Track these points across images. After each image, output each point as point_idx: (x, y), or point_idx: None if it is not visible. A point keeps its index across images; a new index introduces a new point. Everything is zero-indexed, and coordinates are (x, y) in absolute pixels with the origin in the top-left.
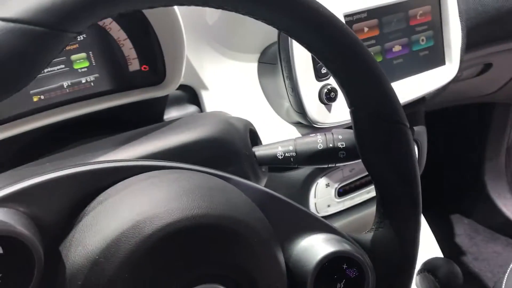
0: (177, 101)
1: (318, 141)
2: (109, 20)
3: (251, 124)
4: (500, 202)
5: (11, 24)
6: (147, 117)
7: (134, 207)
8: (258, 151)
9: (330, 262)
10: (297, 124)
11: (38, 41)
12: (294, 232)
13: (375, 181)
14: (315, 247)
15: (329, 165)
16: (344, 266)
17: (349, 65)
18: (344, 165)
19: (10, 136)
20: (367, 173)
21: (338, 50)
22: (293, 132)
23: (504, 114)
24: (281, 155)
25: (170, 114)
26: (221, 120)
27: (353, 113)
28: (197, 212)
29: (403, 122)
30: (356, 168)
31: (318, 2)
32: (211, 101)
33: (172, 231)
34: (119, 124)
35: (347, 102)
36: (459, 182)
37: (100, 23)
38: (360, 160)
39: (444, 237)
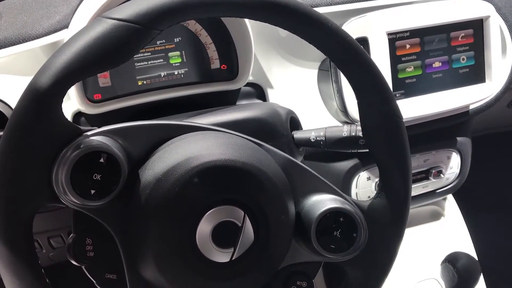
0: (248, 96)
1: (343, 130)
2: (199, 27)
3: (293, 113)
4: None
5: (121, 22)
6: (222, 105)
7: (187, 149)
8: (296, 134)
9: (331, 214)
10: (344, 122)
11: (136, 33)
12: (307, 190)
13: (376, 162)
14: (321, 202)
15: (352, 150)
16: (341, 219)
17: (357, 70)
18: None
19: (123, 107)
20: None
21: (351, 60)
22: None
23: None
24: (314, 139)
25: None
26: (267, 106)
27: (359, 104)
28: (228, 157)
29: (398, 115)
30: None
31: (337, 25)
32: (275, 98)
33: (210, 166)
34: (202, 108)
35: (355, 95)
36: None
37: (192, 29)
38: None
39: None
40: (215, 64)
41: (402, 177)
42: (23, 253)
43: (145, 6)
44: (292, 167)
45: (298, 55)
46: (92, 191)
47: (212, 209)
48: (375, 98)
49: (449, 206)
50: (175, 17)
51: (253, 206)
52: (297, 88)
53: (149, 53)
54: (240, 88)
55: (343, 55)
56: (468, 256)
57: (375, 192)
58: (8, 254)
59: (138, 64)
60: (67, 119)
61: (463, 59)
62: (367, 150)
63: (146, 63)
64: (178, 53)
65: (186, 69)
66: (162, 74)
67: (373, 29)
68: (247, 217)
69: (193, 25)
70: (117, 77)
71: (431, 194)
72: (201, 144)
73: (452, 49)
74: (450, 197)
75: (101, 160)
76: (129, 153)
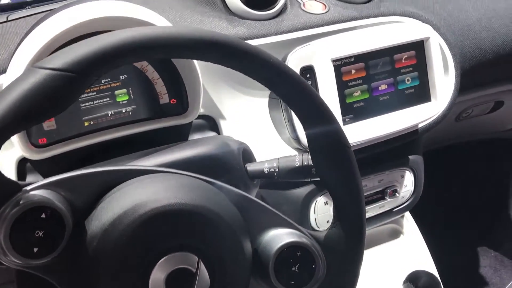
0: (200, 128)
1: (296, 160)
2: (145, 63)
3: (245, 145)
4: None
5: (54, 72)
6: (174, 141)
7: (133, 196)
8: (250, 166)
9: (288, 249)
10: (297, 150)
11: (71, 82)
12: (263, 225)
13: (329, 191)
14: (277, 238)
15: (305, 180)
16: (299, 254)
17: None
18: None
19: (68, 151)
20: (372, 192)
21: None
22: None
23: None
24: (267, 170)
25: (193, 138)
26: (218, 141)
27: (307, 136)
28: (178, 201)
29: (346, 145)
30: None
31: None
32: (229, 129)
33: (159, 212)
34: (152, 146)
35: (302, 126)
36: (488, 215)
37: (138, 65)
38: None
39: (470, 268)
40: (164, 99)
41: (355, 205)
42: None
43: (79, 54)
44: (246, 203)
45: (247, 84)
46: (35, 249)
47: (164, 258)
48: (322, 130)
49: (407, 224)
50: (111, 62)
51: (207, 250)
52: (250, 118)
53: (95, 93)
54: (191, 122)
55: (285, 91)
56: (428, 274)
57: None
58: None
59: (83, 104)
60: (2, 174)
61: (407, 80)
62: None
63: (92, 103)
64: (124, 90)
65: (134, 106)
66: (109, 113)
67: (318, 57)
68: (201, 262)
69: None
70: (63, 119)
71: (388, 213)
72: (148, 189)
73: (397, 71)
74: (407, 214)
75: (43, 215)
76: (73, 205)
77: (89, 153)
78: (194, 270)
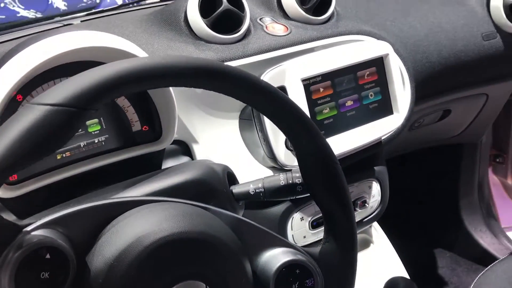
0: (173, 154)
1: (280, 179)
2: None
3: (229, 168)
4: (477, 235)
5: (55, 108)
6: (148, 168)
7: (135, 227)
8: (235, 189)
9: (287, 268)
10: (272, 168)
11: (72, 116)
12: (259, 246)
13: (320, 207)
14: (275, 257)
15: (291, 198)
16: (297, 271)
17: (292, 124)
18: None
19: (44, 186)
20: None
21: (284, 115)
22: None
23: (472, 153)
24: (253, 191)
25: (167, 164)
26: (203, 165)
27: (298, 155)
28: (181, 230)
29: (335, 162)
30: None
31: (272, 86)
32: (201, 153)
33: (163, 242)
34: (127, 175)
35: (292, 147)
36: (440, 218)
37: None
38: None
39: (427, 270)
40: (136, 126)
41: (347, 219)
42: None
43: (78, 87)
44: (241, 225)
45: (217, 107)
46: None
47: (173, 287)
48: (312, 149)
49: (376, 233)
50: (111, 94)
51: (214, 276)
52: (222, 140)
53: None
54: (164, 148)
55: (277, 113)
56: (405, 279)
57: (311, 232)
58: None
59: None
60: (2, 217)
61: (371, 95)
62: (305, 196)
63: None
64: (96, 120)
65: (107, 135)
66: (82, 144)
67: (289, 78)
68: None
69: None
70: None
71: (360, 224)
72: (149, 219)
73: (361, 87)
74: (375, 224)
75: (47, 256)
76: (72, 241)
77: (64, 186)
78: None
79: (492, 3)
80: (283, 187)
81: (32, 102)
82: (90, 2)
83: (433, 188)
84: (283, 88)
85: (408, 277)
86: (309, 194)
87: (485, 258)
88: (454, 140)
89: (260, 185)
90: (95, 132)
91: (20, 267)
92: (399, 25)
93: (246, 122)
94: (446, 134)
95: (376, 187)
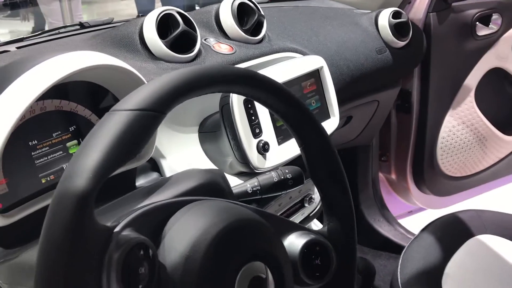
0: (143, 170)
1: (273, 175)
2: (89, 112)
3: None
4: (376, 225)
5: (139, 112)
6: (124, 184)
7: (199, 222)
8: (234, 189)
9: (309, 247)
10: (238, 174)
11: (154, 119)
12: (282, 231)
13: (321, 192)
14: (297, 239)
15: (283, 192)
16: (317, 248)
17: (298, 117)
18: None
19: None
20: (292, 204)
21: (293, 112)
22: (236, 181)
23: (366, 154)
24: (250, 190)
25: (139, 181)
26: (206, 171)
27: (303, 150)
28: (234, 219)
29: (335, 154)
30: (283, 202)
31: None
32: (169, 168)
33: (227, 231)
34: (107, 191)
35: (297, 143)
36: None
37: (83, 115)
38: (297, 187)
39: None
40: None
41: (346, 200)
42: None
43: (157, 94)
44: (263, 215)
45: (178, 123)
46: (140, 286)
47: (242, 268)
48: (316, 143)
49: (315, 227)
50: (180, 99)
51: (269, 257)
52: (186, 154)
53: (47, 148)
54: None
55: (292, 115)
56: (362, 258)
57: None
58: None
59: (38, 161)
60: (97, 221)
61: (313, 102)
62: (295, 189)
63: (46, 158)
64: (75, 141)
65: None
66: (64, 166)
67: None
68: (268, 268)
69: (82, 111)
70: (15, 180)
71: (307, 219)
72: (205, 214)
73: (305, 96)
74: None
75: (141, 252)
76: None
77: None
78: (264, 276)
79: (379, 23)
80: (277, 183)
81: (116, 109)
82: None
83: None
84: (250, 100)
85: None
86: (298, 187)
87: (385, 244)
88: (351, 143)
89: (256, 183)
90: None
91: (124, 265)
92: (314, 43)
93: (206, 135)
94: (347, 138)
95: None
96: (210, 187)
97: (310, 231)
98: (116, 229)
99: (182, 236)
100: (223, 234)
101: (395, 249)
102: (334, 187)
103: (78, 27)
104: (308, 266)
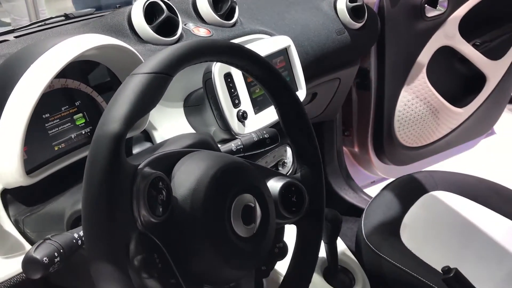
0: (138, 140)
1: (253, 136)
2: (90, 89)
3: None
4: (342, 193)
5: (150, 74)
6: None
7: (201, 164)
8: (221, 148)
9: (286, 188)
10: (221, 141)
11: (165, 80)
12: (263, 176)
13: (293, 143)
14: (276, 182)
15: (262, 150)
16: (293, 189)
17: (276, 83)
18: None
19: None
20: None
21: (271, 78)
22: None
23: (331, 129)
24: (235, 148)
25: (135, 149)
26: (200, 132)
27: (279, 110)
28: (227, 162)
29: (304, 112)
30: None
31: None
32: (160, 137)
33: (223, 169)
34: None
35: (274, 105)
36: None
37: (86, 91)
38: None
39: None
40: None
41: (314, 150)
42: (124, 271)
43: (167, 60)
44: (250, 164)
45: (166, 98)
46: (160, 209)
47: (236, 199)
48: (290, 104)
49: None
50: (185, 64)
51: (257, 190)
52: (175, 126)
53: (58, 120)
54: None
55: (270, 81)
56: (330, 209)
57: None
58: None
59: (51, 131)
60: (127, 160)
61: None
62: (272, 147)
63: (57, 129)
64: (81, 114)
65: (91, 127)
66: (72, 136)
67: (228, 69)
68: (256, 199)
69: (84, 88)
70: (34, 147)
71: None
72: (205, 158)
73: None
74: None
75: (160, 184)
76: None
77: (59, 174)
78: (253, 205)
79: (338, 7)
80: (256, 141)
81: (136, 72)
82: None
83: None
84: (229, 74)
85: None
86: (274, 145)
87: (351, 209)
88: (318, 119)
89: (239, 142)
90: (82, 125)
91: (148, 193)
92: (280, 26)
93: (190, 108)
94: (313, 114)
95: (289, 151)
96: (203, 145)
97: (286, 176)
98: (140, 166)
99: (188, 174)
100: (221, 172)
101: (360, 212)
102: (305, 139)
103: (63, 18)
104: (286, 203)
